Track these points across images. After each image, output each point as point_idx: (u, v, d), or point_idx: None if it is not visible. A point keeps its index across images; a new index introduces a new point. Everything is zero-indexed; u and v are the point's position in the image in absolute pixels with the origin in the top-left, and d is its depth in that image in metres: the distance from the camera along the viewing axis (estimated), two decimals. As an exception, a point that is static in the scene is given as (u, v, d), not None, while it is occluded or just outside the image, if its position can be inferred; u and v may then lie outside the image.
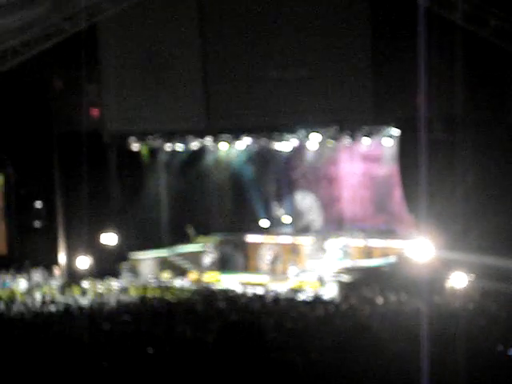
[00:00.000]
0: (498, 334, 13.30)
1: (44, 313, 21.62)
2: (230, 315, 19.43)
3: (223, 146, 34.02)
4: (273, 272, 33.63)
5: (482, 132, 24.74)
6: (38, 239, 32.01)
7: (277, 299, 23.93)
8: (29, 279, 29.02)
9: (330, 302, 23.12)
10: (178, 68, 30.08)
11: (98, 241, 29.93)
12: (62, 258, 31.36)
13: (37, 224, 33.13)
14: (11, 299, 24.77)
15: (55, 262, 31.06)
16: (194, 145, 32.91)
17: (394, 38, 25.47)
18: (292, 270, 31.30)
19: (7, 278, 28.84)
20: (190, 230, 34.49)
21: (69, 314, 20.88)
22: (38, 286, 28.09)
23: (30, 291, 26.78)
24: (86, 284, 27.76)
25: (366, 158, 33.99)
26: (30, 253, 31.26)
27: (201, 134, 31.94)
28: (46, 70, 30.52)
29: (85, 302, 23.97)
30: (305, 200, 35.43)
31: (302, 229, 34.41)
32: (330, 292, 26.91)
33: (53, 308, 22.70)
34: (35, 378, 4.96)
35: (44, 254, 31.34)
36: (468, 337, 11.67)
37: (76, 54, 21.49)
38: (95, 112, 29.05)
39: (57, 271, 30.62)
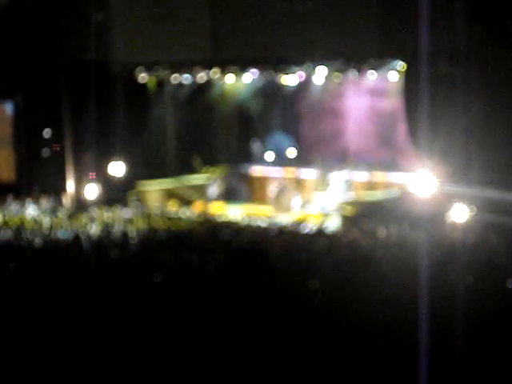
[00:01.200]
0: (499, 266, 13.38)
1: (52, 240, 21.81)
2: (234, 244, 19.58)
3: (230, 79, 33.78)
4: (277, 204, 33.71)
5: (488, 66, 24.49)
6: (46, 168, 32.13)
7: (281, 230, 24.08)
8: (37, 206, 29.17)
9: (333, 234, 23.27)
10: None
11: (106, 170, 30.00)
12: (69, 186, 31.51)
13: (45, 153, 33.21)
14: (19, 226, 24.93)
15: (63, 190, 31.21)
16: (201, 76, 32.65)
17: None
18: (296, 202, 31.37)
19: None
20: (197, 161, 34.49)
21: (77, 241, 21.07)
22: (46, 212, 28.23)
23: (38, 218, 26.91)
24: (93, 212, 27.88)
25: (372, 92, 33.73)
26: (38, 181, 31.40)
27: (208, 65, 31.68)
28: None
29: (92, 229, 24.09)
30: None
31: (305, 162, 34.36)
32: (333, 224, 27.02)
33: (61, 235, 22.87)
34: (43, 306, 5.01)
35: (52, 182, 31.48)
36: (468, 269, 11.74)
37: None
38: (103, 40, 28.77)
39: (65, 199, 30.79)
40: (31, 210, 28.47)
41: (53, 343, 5.27)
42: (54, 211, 28.58)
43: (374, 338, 4.18)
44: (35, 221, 26.26)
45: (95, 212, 27.92)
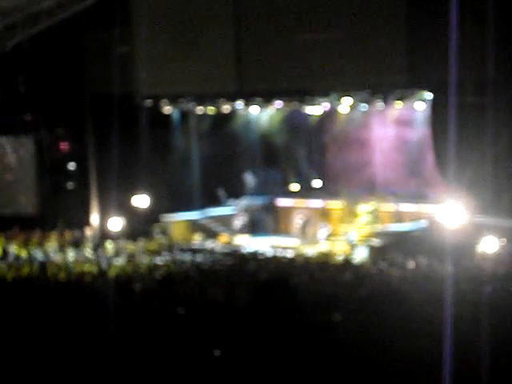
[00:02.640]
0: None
1: (77, 273, 21.92)
2: (260, 277, 19.55)
3: (254, 110, 33.94)
4: (303, 236, 33.69)
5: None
6: (70, 200, 32.36)
7: (307, 262, 24.02)
8: (61, 240, 29.36)
9: (360, 266, 23.18)
10: (211, 30, 29.95)
11: (130, 202, 30.16)
12: (94, 219, 31.68)
13: (69, 185, 33.48)
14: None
15: (87, 223, 31.39)
16: (225, 108, 32.81)
17: (428, -1, 25.14)
18: (322, 234, 31.33)
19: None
20: (222, 193, 34.63)
21: (102, 274, 21.17)
22: (72, 246, 28.41)
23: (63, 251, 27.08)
24: (118, 244, 27.99)
25: (399, 122, 33.75)
26: (62, 214, 31.62)
27: (232, 97, 31.84)
28: (79, 31, 30.61)
29: (118, 262, 24.19)
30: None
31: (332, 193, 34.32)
32: (361, 256, 26.93)
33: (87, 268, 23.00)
34: (64, 339, 5.05)
35: (76, 215, 31.69)
36: (499, 302, 11.65)
37: (109, 15, 21.45)
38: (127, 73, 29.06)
39: (89, 232, 30.95)
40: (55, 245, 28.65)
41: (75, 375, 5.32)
42: (79, 244, 28.76)
43: (400, 373, 4.18)
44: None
45: (119, 244, 28.04)
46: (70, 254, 26.21)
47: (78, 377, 5.30)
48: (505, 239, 22.22)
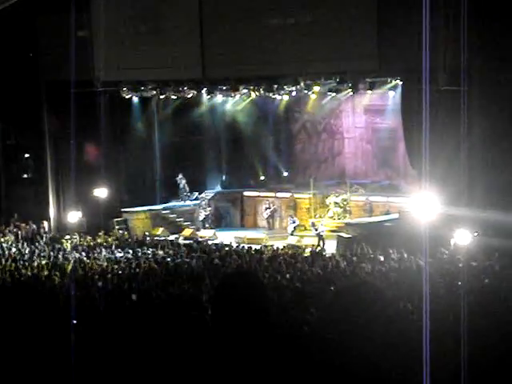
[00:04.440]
0: (502, 292, 13.34)
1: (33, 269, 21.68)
2: (224, 271, 19.49)
3: (219, 97, 33.76)
4: (270, 228, 33.70)
5: (489, 83, 24.56)
6: (26, 192, 31.99)
7: (274, 255, 24.00)
8: (17, 234, 29.08)
9: (329, 258, 23.21)
10: (174, 14, 29.70)
11: (89, 195, 29.86)
12: (51, 211, 31.40)
13: (25, 177, 33.10)
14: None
15: (44, 215, 31.08)
16: (189, 95, 32.56)
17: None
18: (290, 226, 31.35)
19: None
20: (185, 185, 34.51)
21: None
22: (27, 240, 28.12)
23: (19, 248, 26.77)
24: (75, 239, 27.73)
25: (369, 111, 33.88)
26: (17, 205, 31.26)
27: (196, 85, 31.61)
28: (34, 15, 30.21)
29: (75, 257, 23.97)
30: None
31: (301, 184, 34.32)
32: (330, 248, 26.99)
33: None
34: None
35: (32, 207, 31.36)
36: (472, 295, 11.72)
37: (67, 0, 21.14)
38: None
39: (46, 225, 30.68)
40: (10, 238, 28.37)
41: None
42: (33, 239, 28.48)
43: (373, 371, 4.14)
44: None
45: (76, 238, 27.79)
46: (26, 250, 25.91)
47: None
48: (477, 231, 22.37)
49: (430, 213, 20.69)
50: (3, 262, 22.56)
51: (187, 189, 34.48)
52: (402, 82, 27.60)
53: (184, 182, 33.94)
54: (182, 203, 34.32)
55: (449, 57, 23.25)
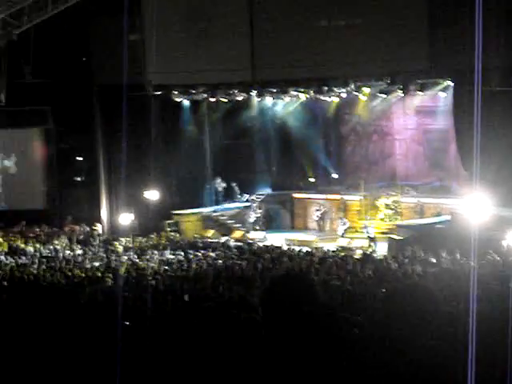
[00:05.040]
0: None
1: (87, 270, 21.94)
2: (275, 273, 19.49)
3: (269, 100, 33.81)
4: (321, 230, 33.63)
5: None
6: (79, 195, 32.39)
7: (325, 257, 23.93)
8: (70, 236, 29.46)
9: (380, 261, 23.08)
10: (224, 18, 29.84)
11: (141, 197, 30.15)
12: (103, 213, 31.73)
13: (78, 180, 33.52)
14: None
15: (97, 217, 31.43)
16: (239, 98, 32.68)
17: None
18: (341, 228, 31.24)
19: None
20: (236, 187, 34.62)
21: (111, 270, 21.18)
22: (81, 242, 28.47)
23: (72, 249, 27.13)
24: (128, 241, 27.99)
25: (420, 112, 33.60)
26: (70, 208, 31.65)
27: (246, 87, 31.72)
28: (87, 19, 30.55)
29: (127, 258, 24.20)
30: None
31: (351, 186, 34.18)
32: (381, 250, 26.85)
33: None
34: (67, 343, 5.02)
35: (85, 209, 31.73)
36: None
37: (119, 4, 21.38)
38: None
39: (99, 227, 31.03)
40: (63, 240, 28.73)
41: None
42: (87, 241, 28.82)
43: (421, 376, 4.13)
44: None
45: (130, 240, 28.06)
46: (78, 252, 26.25)
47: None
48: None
49: (482, 214, 20.47)
50: (58, 264, 22.89)
51: (237, 190, 34.60)
52: (453, 83, 27.35)
53: (223, 185, 33.97)
54: (232, 205, 34.41)
55: (501, 57, 22.99)
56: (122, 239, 28.03)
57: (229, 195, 34.72)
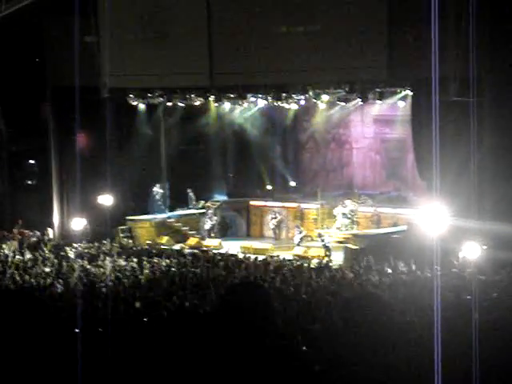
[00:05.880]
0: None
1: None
2: (230, 282, 19.47)
3: (227, 105, 33.77)
4: (277, 238, 33.67)
5: (499, 94, 24.52)
6: (30, 198, 31.99)
7: (280, 266, 23.96)
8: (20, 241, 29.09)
9: (336, 270, 23.18)
10: (182, 22, 29.72)
11: (94, 202, 29.84)
12: (55, 218, 31.40)
13: (29, 183, 33.11)
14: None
15: (48, 222, 31.09)
16: (196, 103, 32.58)
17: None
18: (297, 237, 31.27)
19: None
20: (191, 194, 34.50)
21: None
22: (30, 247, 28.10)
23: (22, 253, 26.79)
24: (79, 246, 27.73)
25: (378, 121, 33.82)
26: (21, 212, 31.25)
27: (203, 92, 31.63)
28: (41, 20, 30.23)
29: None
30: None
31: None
32: (336, 259, 26.94)
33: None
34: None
35: (36, 213, 31.35)
36: (480, 309, 11.66)
37: (74, 5, 21.17)
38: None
39: (50, 233, 30.70)
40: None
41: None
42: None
43: None
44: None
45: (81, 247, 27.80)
46: (28, 256, 25.92)
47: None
48: (487, 244, 22.29)
49: (438, 225, 20.62)
50: (6, 270, 22.59)
51: (193, 197, 34.50)
52: (411, 93, 27.56)
53: (160, 192, 33.64)
54: (187, 212, 34.28)
55: (459, 67, 23.21)
56: (74, 245, 27.75)
57: (184, 201, 34.60)
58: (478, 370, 5.72)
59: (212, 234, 33.66)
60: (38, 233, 30.21)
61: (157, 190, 33.35)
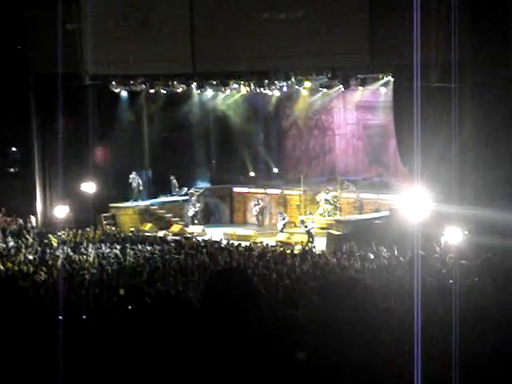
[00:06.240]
0: (493, 291, 13.36)
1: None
2: (213, 268, 19.49)
3: (209, 92, 33.73)
4: (260, 225, 33.73)
5: (480, 80, 24.61)
6: (12, 185, 31.83)
7: (264, 252, 24.00)
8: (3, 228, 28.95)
9: (319, 256, 23.24)
10: (163, 8, 29.59)
11: (77, 189, 29.74)
12: (38, 206, 31.28)
13: (12, 170, 32.95)
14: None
15: (31, 209, 30.97)
16: (179, 90, 32.49)
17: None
18: (280, 223, 31.34)
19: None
20: (174, 180, 34.46)
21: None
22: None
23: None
24: (62, 234, 27.65)
25: (360, 107, 33.88)
26: (4, 199, 31.10)
27: (186, 79, 31.55)
28: (23, 7, 30.02)
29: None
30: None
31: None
32: (319, 245, 27.02)
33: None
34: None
35: (19, 201, 31.21)
36: (461, 294, 11.74)
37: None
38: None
39: (33, 220, 30.58)
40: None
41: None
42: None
43: (363, 372, 4.14)
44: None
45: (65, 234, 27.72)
46: (11, 244, 25.81)
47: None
48: (468, 229, 22.42)
49: (420, 210, 20.71)
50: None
51: (176, 184, 34.46)
52: (393, 79, 27.61)
53: (138, 181, 33.49)
54: (170, 199, 34.25)
55: (440, 53, 23.27)
56: (57, 232, 27.66)
57: (167, 188, 34.57)
58: (458, 355, 5.77)
59: (195, 221, 33.67)
60: (21, 220, 30.08)
61: (133, 176, 33.17)
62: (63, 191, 29.77)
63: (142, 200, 33.44)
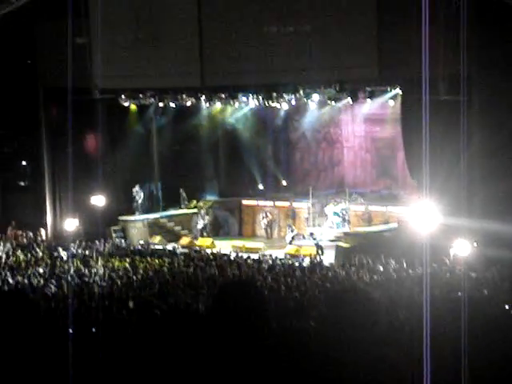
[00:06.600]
0: (501, 303, 13.33)
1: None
2: (222, 281, 19.48)
3: (218, 106, 33.79)
4: (269, 237, 33.70)
5: (489, 93, 24.60)
6: (22, 199, 31.92)
7: (273, 265, 23.98)
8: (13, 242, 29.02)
9: (328, 268, 23.21)
10: (173, 23, 29.68)
11: (87, 202, 29.80)
12: (48, 219, 31.33)
13: (22, 184, 33.04)
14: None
15: (41, 223, 31.02)
16: (188, 103, 32.57)
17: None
18: (289, 235, 31.31)
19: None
20: (183, 194, 34.49)
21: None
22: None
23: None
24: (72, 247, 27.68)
25: (368, 120, 33.87)
26: (14, 213, 31.17)
27: (195, 93, 31.64)
28: (33, 22, 30.16)
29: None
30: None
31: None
32: (328, 258, 26.97)
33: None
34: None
35: (29, 214, 31.29)
36: (471, 307, 11.69)
37: (65, 6, 21.13)
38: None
39: (43, 233, 30.63)
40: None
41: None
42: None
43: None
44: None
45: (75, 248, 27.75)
46: (21, 257, 25.86)
47: None
48: (476, 241, 22.36)
49: (429, 223, 20.67)
50: (0, 271, 22.54)
51: (185, 197, 34.50)
52: (401, 92, 27.61)
53: (142, 194, 33.52)
54: (179, 212, 34.27)
55: (449, 66, 23.26)
56: (67, 245, 27.70)
57: (175, 201, 34.63)
58: (467, 367, 5.75)
59: (204, 234, 33.67)
60: (31, 233, 30.15)
61: (136, 190, 33.19)
62: (73, 204, 29.79)
63: (144, 213, 33.41)
